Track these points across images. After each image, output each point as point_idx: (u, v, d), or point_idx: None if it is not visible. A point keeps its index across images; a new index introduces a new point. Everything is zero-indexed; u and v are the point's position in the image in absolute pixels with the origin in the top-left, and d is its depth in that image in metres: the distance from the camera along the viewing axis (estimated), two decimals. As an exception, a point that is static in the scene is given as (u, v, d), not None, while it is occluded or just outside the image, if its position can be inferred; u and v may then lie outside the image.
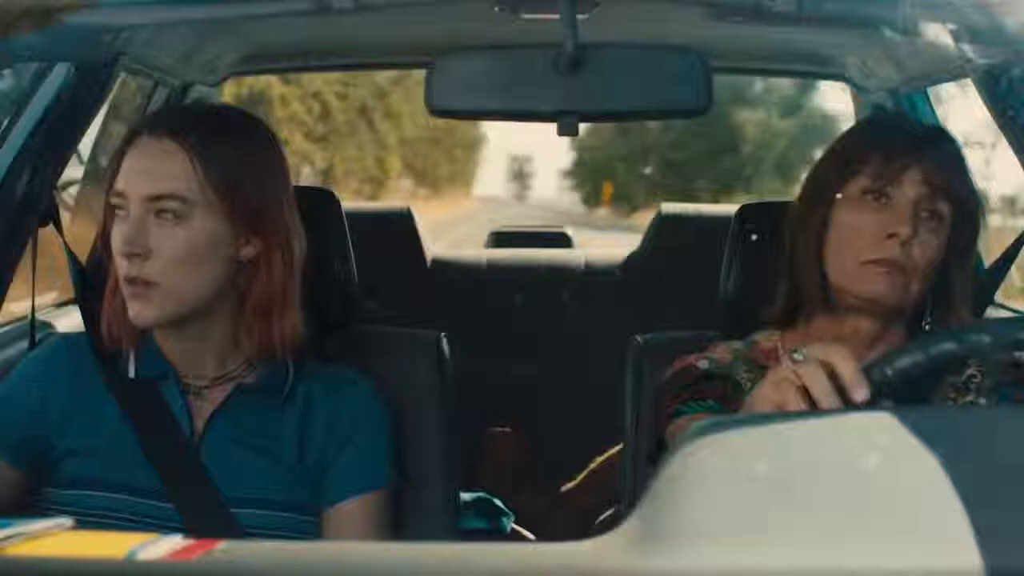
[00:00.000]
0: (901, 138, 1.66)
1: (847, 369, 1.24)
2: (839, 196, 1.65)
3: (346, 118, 23.75)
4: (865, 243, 1.61)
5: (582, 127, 1.71)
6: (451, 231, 18.95)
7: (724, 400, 1.63)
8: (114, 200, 1.62)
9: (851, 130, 1.79)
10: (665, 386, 1.71)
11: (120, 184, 1.62)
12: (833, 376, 1.25)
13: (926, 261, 1.61)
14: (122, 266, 1.60)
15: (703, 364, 1.70)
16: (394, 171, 27.55)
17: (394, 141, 27.23)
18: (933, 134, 1.72)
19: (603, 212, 33.18)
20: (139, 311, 1.60)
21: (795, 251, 1.69)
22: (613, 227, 24.38)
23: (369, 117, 25.02)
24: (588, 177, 36.34)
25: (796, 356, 1.29)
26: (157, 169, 1.60)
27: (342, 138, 23.70)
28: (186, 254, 1.60)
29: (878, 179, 1.62)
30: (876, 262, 1.60)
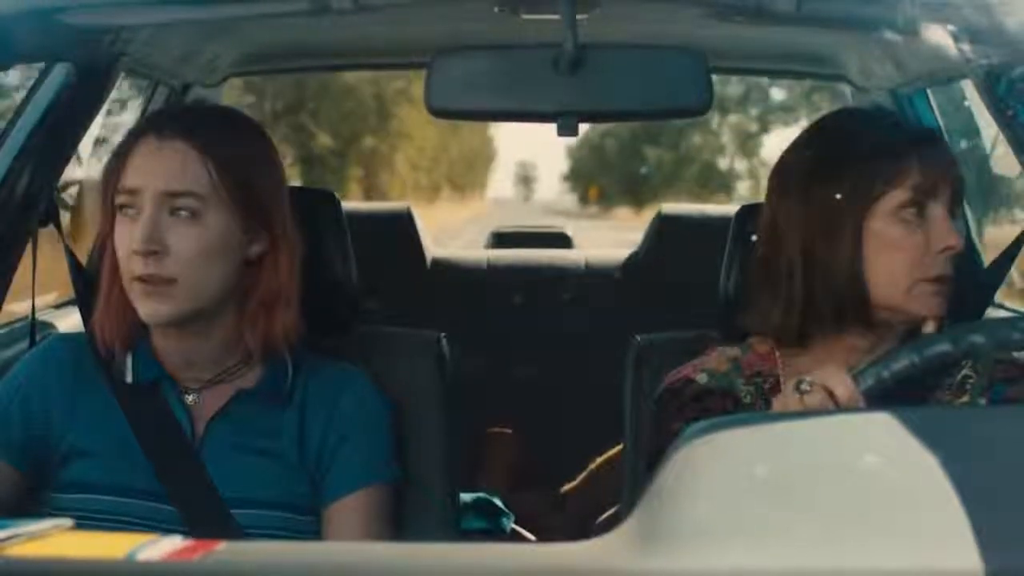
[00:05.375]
0: (931, 147, 1.60)
1: (844, 394, 1.36)
2: (870, 212, 1.56)
3: (429, 160, 39.63)
4: (916, 260, 1.55)
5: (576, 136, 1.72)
6: (472, 226, 23.16)
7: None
8: (123, 199, 1.61)
9: (852, 140, 1.61)
10: (665, 402, 1.69)
11: (131, 181, 1.61)
12: (833, 397, 1.37)
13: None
14: (135, 264, 1.59)
15: (701, 379, 1.67)
16: (440, 182, 43.96)
17: (444, 164, 43.86)
18: (929, 135, 1.69)
19: (594, 208, 48.69)
20: (154, 308, 1.60)
21: (814, 271, 1.59)
22: (599, 218, 38.46)
23: (437, 154, 40.92)
24: (580, 181, 52.44)
25: (803, 387, 1.38)
26: (171, 168, 1.60)
27: (423, 168, 38.66)
28: (202, 251, 1.60)
29: (918, 192, 1.55)
30: (929, 280, 1.55)
